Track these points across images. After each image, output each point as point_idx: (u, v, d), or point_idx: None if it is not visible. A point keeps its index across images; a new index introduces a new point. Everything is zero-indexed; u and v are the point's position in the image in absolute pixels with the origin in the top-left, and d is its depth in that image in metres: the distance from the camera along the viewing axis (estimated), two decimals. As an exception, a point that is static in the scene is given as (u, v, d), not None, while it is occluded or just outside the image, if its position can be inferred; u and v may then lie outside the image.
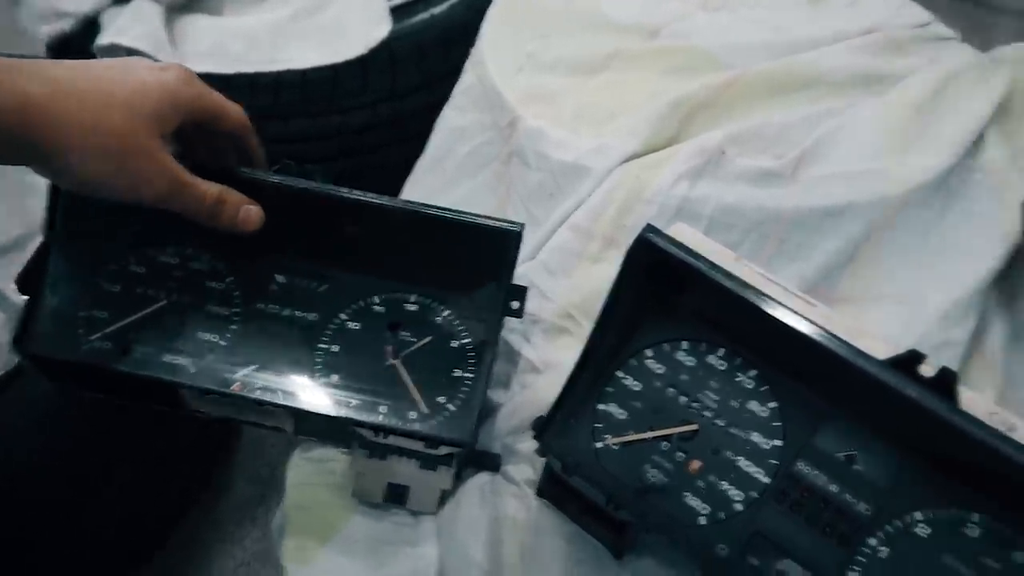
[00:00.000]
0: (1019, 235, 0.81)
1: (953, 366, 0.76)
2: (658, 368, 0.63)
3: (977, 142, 0.91)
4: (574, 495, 0.65)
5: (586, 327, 0.62)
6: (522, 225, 0.66)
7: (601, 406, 0.64)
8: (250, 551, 1.16)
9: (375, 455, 0.71)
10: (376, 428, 0.69)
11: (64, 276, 0.73)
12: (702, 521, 0.60)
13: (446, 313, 0.72)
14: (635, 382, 0.64)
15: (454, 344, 0.71)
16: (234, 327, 0.72)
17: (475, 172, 0.99)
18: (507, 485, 0.72)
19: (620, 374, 0.64)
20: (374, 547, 0.68)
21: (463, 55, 1.06)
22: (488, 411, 0.77)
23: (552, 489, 0.66)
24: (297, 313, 0.72)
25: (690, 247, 0.56)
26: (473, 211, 0.71)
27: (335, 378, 0.70)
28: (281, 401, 0.69)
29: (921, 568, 0.56)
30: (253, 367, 0.71)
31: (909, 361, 0.51)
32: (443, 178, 1.00)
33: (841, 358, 0.51)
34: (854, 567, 0.57)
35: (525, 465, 0.73)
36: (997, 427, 0.49)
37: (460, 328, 0.72)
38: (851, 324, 0.55)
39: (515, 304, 0.70)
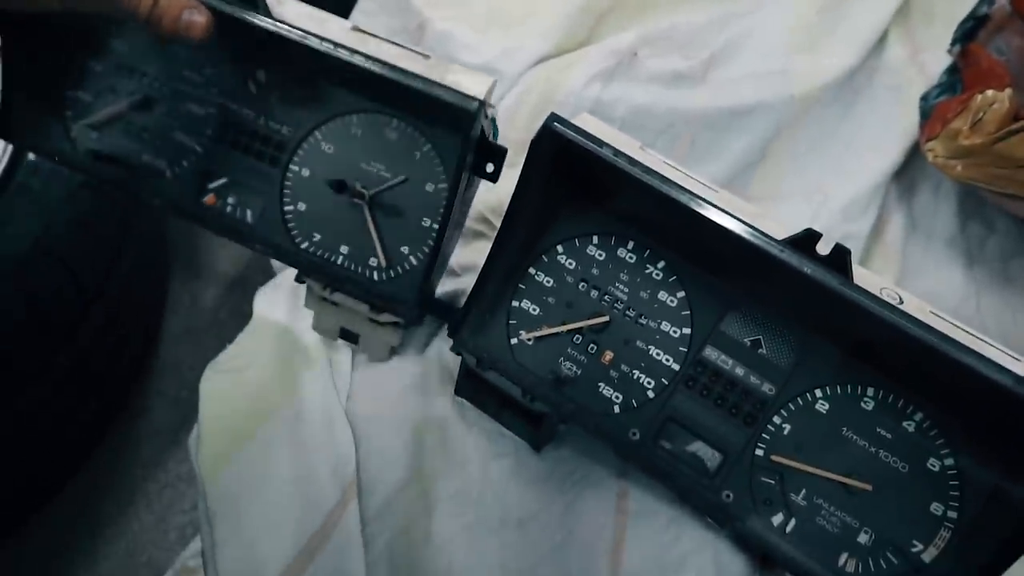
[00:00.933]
0: (917, 131, 0.84)
1: (856, 256, 0.80)
2: (569, 263, 0.64)
3: (880, 41, 0.93)
4: (491, 391, 0.65)
5: (500, 229, 0.62)
6: (480, 102, 0.60)
7: (515, 303, 0.64)
8: (173, 473, 1.15)
9: (328, 301, 0.70)
10: (326, 281, 0.68)
11: (43, 54, 0.68)
12: (616, 409, 0.62)
13: (426, 148, 0.66)
14: (547, 278, 0.64)
15: (429, 188, 0.66)
16: (209, 131, 0.68)
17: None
18: (426, 386, 0.72)
19: (532, 271, 0.64)
20: (291, 452, 0.68)
21: (368, -41, 1.02)
22: (445, 270, 0.74)
23: (470, 387, 0.67)
24: (271, 124, 0.68)
25: (595, 136, 0.56)
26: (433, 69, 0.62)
27: (301, 207, 0.67)
28: (248, 222, 0.67)
29: (821, 441, 0.59)
30: (223, 180, 0.68)
31: (806, 240, 0.52)
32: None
33: (741, 237, 0.52)
34: (760, 444, 0.60)
35: (445, 364, 0.73)
36: (887, 300, 0.51)
37: (439, 169, 0.66)
38: (754, 209, 0.56)
39: (491, 167, 0.64)
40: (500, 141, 0.72)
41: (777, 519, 0.58)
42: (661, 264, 0.63)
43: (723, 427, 0.60)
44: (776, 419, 0.60)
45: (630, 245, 0.63)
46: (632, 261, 0.63)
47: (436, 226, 0.65)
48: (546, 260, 0.64)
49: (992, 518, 0.55)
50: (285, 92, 0.68)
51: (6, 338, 0.82)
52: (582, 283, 0.63)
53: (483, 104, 0.59)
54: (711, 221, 0.53)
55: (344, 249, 0.67)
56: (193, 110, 0.69)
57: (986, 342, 0.52)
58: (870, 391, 0.59)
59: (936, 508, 0.56)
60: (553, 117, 0.55)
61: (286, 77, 0.67)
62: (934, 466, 0.56)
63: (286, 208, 0.68)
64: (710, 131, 0.86)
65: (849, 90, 0.90)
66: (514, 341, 0.64)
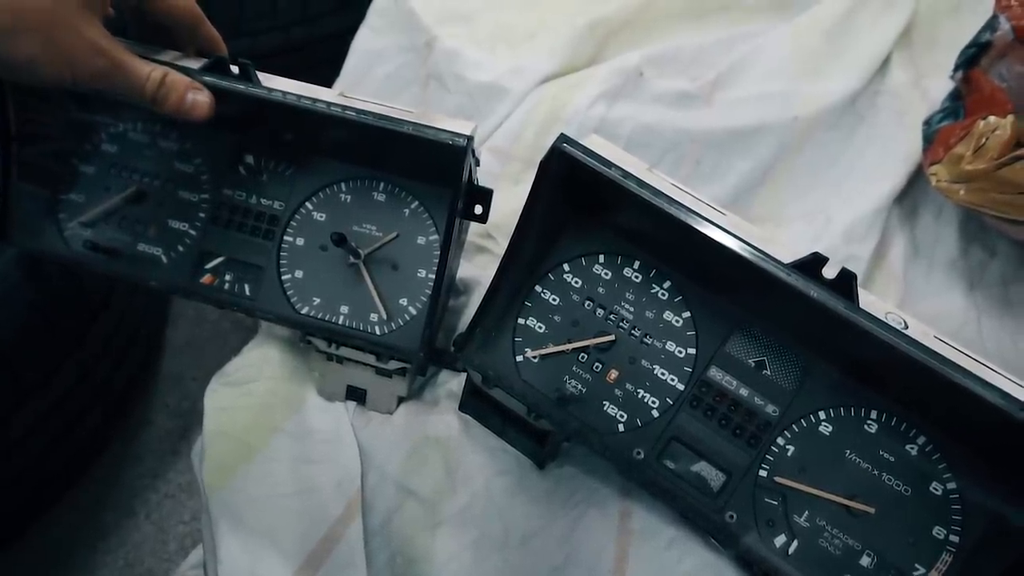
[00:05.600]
0: (920, 155, 0.84)
1: (858, 279, 0.80)
2: (575, 282, 0.64)
3: (883, 66, 0.94)
4: (496, 409, 0.66)
5: (505, 246, 0.62)
6: (469, 138, 0.62)
7: (521, 320, 0.64)
8: (174, 483, 1.15)
9: (333, 360, 0.72)
10: (330, 337, 0.69)
11: (36, 163, 0.71)
12: (620, 428, 0.62)
13: (414, 204, 0.69)
14: (553, 296, 0.64)
15: (421, 241, 0.69)
16: (203, 215, 0.71)
17: (393, 96, 0.97)
18: (430, 404, 0.73)
19: (539, 289, 0.65)
20: (294, 466, 0.68)
21: (377, -24, 1.03)
22: (446, 315, 0.76)
23: (474, 404, 0.67)
24: (263, 201, 0.71)
25: (604, 157, 0.56)
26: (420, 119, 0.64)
27: (298, 274, 0.70)
28: (247, 296, 0.69)
29: (825, 463, 0.59)
30: (220, 259, 0.70)
31: (812, 264, 0.53)
32: (359, 103, 0.97)
33: (748, 261, 0.52)
34: (763, 465, 0.60)
35: (448, 384, 0.73)
36: (892, 325, 0.52)
37: (428, 223, 0.69)
38: (760, 232, 0.56)
39: (479, 209, 0.67)
40: (507, 157, 0.73)
41: (780, 540, 0.59)
42: (667, 284, 0.63)
43: (727, 448, 0.61)
44: (780, 440, 0.60)
45: (636, 265, 0.64)
46: (638, 281, 0.63)
47: (432, 276, 0.68)
48: (552, 278, 0.64)
49: (994, 543, 0.55)
50: (274, 171, 0.71)
51: (14, 347, 0.82)
52: (588, 302, 0.64)
53: (471, 140, 0.61)
54: (719, 244, 0.53)
55: (344, 309, 0.69)
56: (185, 197, 0.72)
57: (989, 367, 0.52)
58: (873, 414, 0.59)
59: (938, 532, 0.56)
60: (563, 138, 0.56)
61: (274, 156, 0.71)
62: (936, 490, 0.57)
63: (284, 277, 0.70)
64: (715, 151, 0.87)
65: (852, 114, 0.91)
66: (519, 359, 0.64)
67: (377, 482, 0.67)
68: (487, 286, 0.63)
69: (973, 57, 0.80)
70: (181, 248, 0.71)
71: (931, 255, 0.83)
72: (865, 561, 0.57)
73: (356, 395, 0.73)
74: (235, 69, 0.64)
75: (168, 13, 0.63)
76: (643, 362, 0.63)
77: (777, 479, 0.59)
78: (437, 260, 0.67)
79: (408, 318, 0.68)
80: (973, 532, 0.56)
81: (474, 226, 0.77)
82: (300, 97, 0.62)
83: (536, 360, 0.64)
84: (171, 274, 0.71)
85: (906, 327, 0.52)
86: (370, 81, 0.98)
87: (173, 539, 1.12)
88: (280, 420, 0.70)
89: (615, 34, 0.95)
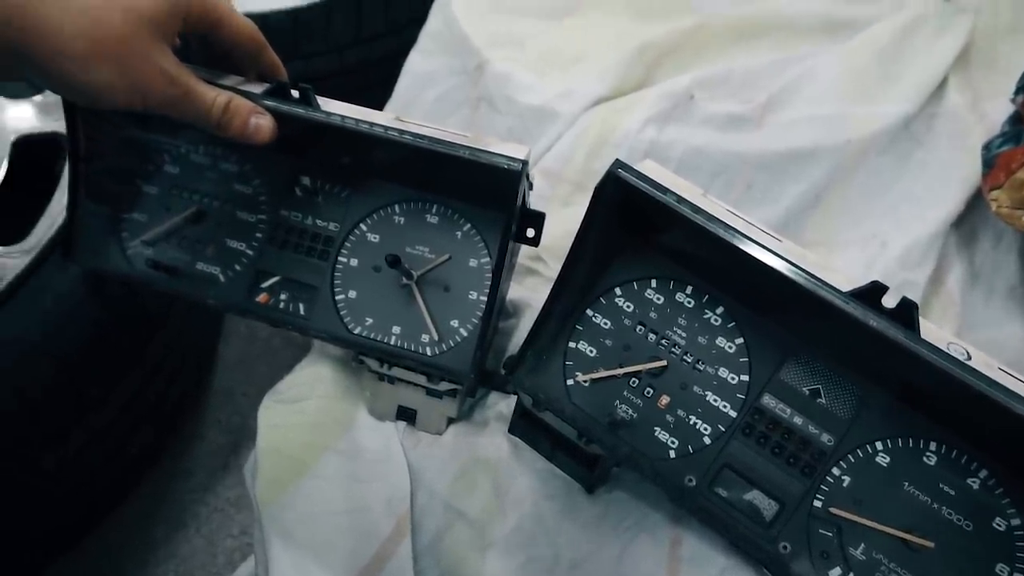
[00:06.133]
0: (978, 179, 0.83)
1: (913, 306, 0.79)
2: (627, 306, 0.64)
3: (939, 88, 0.92)
4: (546, 432, 0.66)
5: (555, 268, 0.62)
6: (524, 162, 0.61)
7: (572, 344, 0.65)
8: (223, 497, 1.17)
9: (384, 379, 0.72)
10: (382, 357, 0.70)
11: (102, 183, 0.74)
12: (671, 455, 0.61)
13: (467, 227, 0.70)
14: (605, 320, 0.64)
15: (472, 263, 0.70)
16: (260, 235, 0.73)
17: (444, 118, 0.98)
18: (480, 425, 0.73)
19: (590, 312, 0.65)
20: (346, 483, 0.68)
21: (428, 0, 1.05)
22: (496, 337, 0.77)
23: (524, 426, 0.67)
24: (319, 222, 0.72)
25: (659, 182, 0.56)
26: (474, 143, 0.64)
27: (352, 294, 0.71)
28: (302, 315, 0.71)
29: (882, 495, 0.58)
30: (276, 279, 0.72)
31: (872, 292, 0.52)
32: (411, 125, 0.99)
33: (806, 289, 0.52)
34: (818, 496, 0.59)
35: (498, 406, 0.74)
36: (955, 355, 0.51)
37: (480, 245, 0.70)
38: (816, 259, 0.56)
39: (531, 232, 0.67)
40: (557, 179, 0.73)
41: (835, 573, 0.57)
42: (720, 310, 0.63)
43: (780, 477, 0.60)
44: (835, 471, 0.59)
45: (688, 290, 0.63)
46: (690, 306, 0.63)
47: (484, 298, 0.68)
48: (604, 302, 0.65)
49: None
50: (329, 192, 0.73)
51: (78, 364, 0.85)
52: (640, 326, 0.64)
53: (525, 164, 0.62)
54: (775, 270, 0.53)
55: (396, 329, 0.70)
56: (243, 218, 0.74)
57: (1055, 400, 0.51)
58: (933, 446, 0.58)
59: (1001, 569, 0.55)
60: (617, 163, 0.56)
61: (330, 179, 0.72)
62: (1000, 525, 0.55)
63: (337, 297, 0.71)
64: (766, 175, 0.86)
65: (906, 137, 0.89)
66: (570, 382, 0.64)
67: (426, 502, 0.68)
68: (537, 308, 0.64)
69: (1035, 80, 0.79)
70: (238, 267, 0.73)
71: (990, 282, 0.81)
72: (924, 597, 0.56)
73: (406, 415, 0.73)
74: (295, 93, 0.66)
75: (233, 40, 0.65)
76: (695, 388, 0.62)
77: (832, 510, 0.58)
78: (489, 282, 0.68)
79: (459, 339, 0.69)
80: (1039, 570, 0.54)
81: (524, 248, 0.77)
82: (358, 121, 0.63)
83: (587, 384, 0.64)
84: (228, 292, 0.72)
85: (969, 358, 0.51)
86: (421, 103, 0.99)
87: (222, 553, 1.14)
88: (331, 438, 0.71)
89: (665, 57, 0.95)
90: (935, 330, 0.54)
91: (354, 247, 0.71)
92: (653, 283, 0.64)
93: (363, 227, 0.71)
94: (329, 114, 0.64)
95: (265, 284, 0.72)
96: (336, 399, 0.74)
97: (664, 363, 0.62)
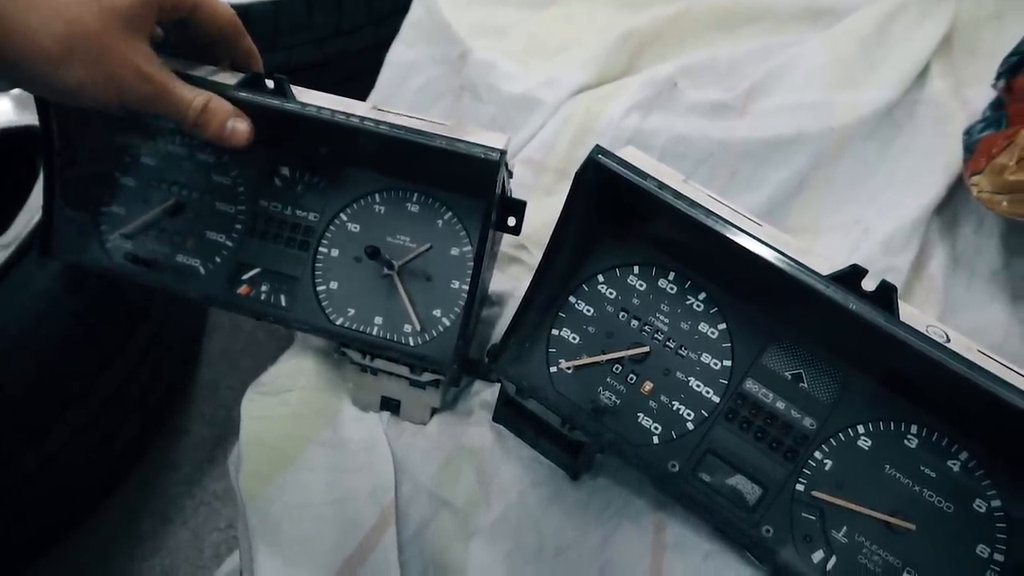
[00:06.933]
0: (960, 165, 0.83)
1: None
2: (610, 293, 0.64)
3: (922, 75, 0.92)
4: (530, 420, 0.66)
5: (538, 257, 0.62)
6: (502, 152, 0.60)
7: (555, 331, 0.64)
8: (209, 490, 1.16)
9: (367, 371, 0.72)
10: (364, 348, 0.69)
11: (78, 177, 0.73)
12: (655, 440, 0.61)
13: (447, 215, 0.70)
14: (587, 307, 0.64)
15: (454, 252, 0.69)
16: (239, 227, 0.72)
17: (427, 107, 0.97)
18: (464, 414, 0.73)
19: (573, 299, 0.64)
20: (329, 475, 0.68)
21: (411, -10, 1.04)
22: (479, 326, 0.76)
23: (508, 414, 0.67)
24: (299, 213, 0.72)
25: (639, 168, 0.56)
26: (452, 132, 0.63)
27: (333, 285, 0.70)
28: (283, 306, 0.70)
29: (864, 478, 0.58)
30: (256, 270, 0.71)
31: (851, 276, 0.52)
32: (394, 114, 0.98)
33: (786, 273, 0.52)
34: (801, 480, 0.59)
35: (482, 395, 0.73)
36: (934, 338, 0.51)
37: (461, 234, 0.69)
38: (797, 244, 0.56)
39: (512, 221, 0.67)
40: (540, 168, 0.73)
41: (818, 556, 0.58)
42: (702, 296, 0.63)
43: (763, 461, 0.60)
44: (817, 454, 0.59)
45: (671, 276, 0.63)
46: (673, 292, 0.63)
47: (465, 287, 0.68)
48: (587, 289, 0.64)
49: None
50: (309, 182, 0.72)
51: (57, 358, 0.84)
52: (623, 313, 0.64)
53: (503, 154, 0.61)
54: (756, 255, 0.53)
55: (378, 320, 0.69)
56: (223, 209, 0.73)
57: (1035, 382, 0.51)
58: (914, 428, 0.58)
59: (982, 550, 0.55)
60: (598, 149, 0.56)
61: (309, 168, 0.72)
62: (980, 507, 0.55)
63: (319, 288, 0.71)
64: (750, 162, 0.86)
65: (889, 123, 0.89)
66: (553, 370, 0.64)
67: (411, 492, 0.68)
68: (520, 297, 0.63)
69: (1016, 65, 0.79)
70: (218, 259, 0.72)
71: (972, 267, 0.82)
72: (906, 578, 0.56)
73: (390, 406, 0.73)
74: (270, 83, 0.65)
75: (210, 26, 0.64)
76: (678, 374, 0.62)
77: (815, 494, 0.58)
78: (471, 272, 0.67)
79: (442, 329, 0.68)
80: (1018, 551, 0.54)
81: (507, 237, 0.77)
82: (333, 112, 0.63)
83: (570, 371, 0.63)
84: (209, 285, 0.72)
85: (948, 340, 0.52)
86: (404, 93, 0.99)
87: (208, 546, 1.14)
88: (315, 430, 0.71)
89: (648, 45, 0.95)
90: (915, 313, 0.54)
91: (334, 237, 0.71)
92: (635, 269, 0.64)
93: (343, 217, 0.71)
94: (305, 105, 0.63)
95: (246, 276, 0.72)
96: (319, 390, 0.74)
97: (647, 349, 0.62)
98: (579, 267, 0.64)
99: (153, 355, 1.01)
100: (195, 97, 0.60)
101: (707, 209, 0.54)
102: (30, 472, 0.89)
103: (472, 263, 0.68)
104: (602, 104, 0.88)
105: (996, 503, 0.55)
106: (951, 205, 0.85)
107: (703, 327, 0.62)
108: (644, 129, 0.86)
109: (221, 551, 1.14)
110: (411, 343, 0.68)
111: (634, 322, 0.63)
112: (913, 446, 0.58)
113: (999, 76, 0.80)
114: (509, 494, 0.67)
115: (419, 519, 0.67)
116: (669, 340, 0.63)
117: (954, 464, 0.57)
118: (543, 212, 0.77)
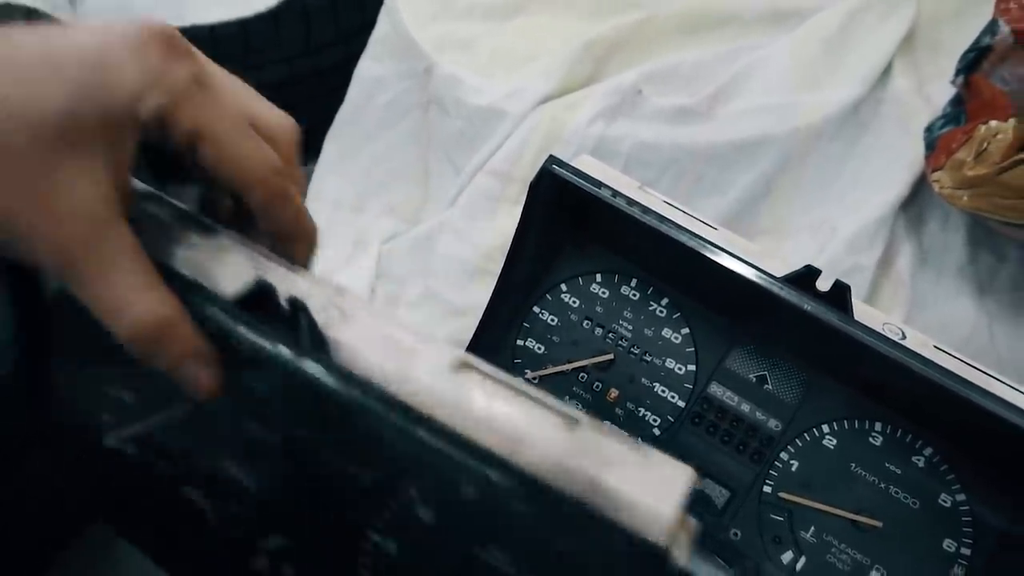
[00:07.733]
0: (923, 162, 0.83)
1: (863, 289, 0.79)
2: (573, 301, 0.64)
3: (885, 73, 0.93)
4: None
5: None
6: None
7: (520, 342, 0.65)
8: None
9: None
10: None
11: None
12: (622, 448, 0.61)
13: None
14: (551, 316, 0.64)
15: None
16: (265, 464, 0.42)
17: (395, 122, 0.98)
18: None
19: (536, 309, 0.65)
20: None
21: (378, 7, 1.04)
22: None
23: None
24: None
25: (594, 177, 0.56)
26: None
27: None
28: None
29: (830, 477, 0.58)
30: (280, 537, 0.39)
31: (805, 277, 0.53)
32: (363, 129, 0.99)
33: (739, 275, 0.52)
34: (768, 481, 0.59)
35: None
36: (889, 336, 0.51)
37: None
38: (754, 247, 0.56)
39: None
40: (507, 179, 0.73)
41: (787, 557, 0.58)
42: (664, 301, 0.63)
43: (730, 464, 0.60)
44: (783, 455, 0.60)
45: (633, 283, 0.64)
46: (635, 299, 0.63)
47: None
48: (550, 299, 0.65)
49: (1006, 555, 0.54)
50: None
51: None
52: (586, 321, 0.64)
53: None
54: (709, 260, 0.53)
55: None
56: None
57: (994, 378, 0.51)
58: (878, 426, 0.58)
59: (949, 545, 0.55)
60: (551, 159, 0.57)
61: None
62: (945, 502, 0.56)
63: None
64: (716, 166, 0.87)
65: (854, 122, 0.90)
66: (520, 380, 0.64)
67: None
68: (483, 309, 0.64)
69: (974, 61, 0.79)
70: (234, 505, 0.50)
71: (939, 262, 0.82)
72: (874, 576, 0.56)
73: None
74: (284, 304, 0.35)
75: (227, 177, 0.36)
76: (643, 380, 0.62)
77: (782, 495, 0.58)
78: None
79: None
80: (984, 544, 0.55)
81: (475, 248, 0.77)
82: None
83: (536, 381, 0.64)
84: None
85: (904, 338, 0.52)
86: (373, 108, 0.99)
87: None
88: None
89: (613, 53, 0.95)
90: (872, 312, 0.55)
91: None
92: (598, 277, 0.64)
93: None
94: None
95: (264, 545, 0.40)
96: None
97: (611, 356, 0.63)
98: (542, 277, 0.65)
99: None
100: (150, 305, 0.32)
101: (659, 215, 0.55)
102: (3, 506, 0.88)
103: None
104: (568, 113, 0.88)
105: (961, 497, 0.55)
106: (916, 202, 0.86)
107: (667, 332, 0.63)
108: (609, 136, 0.86)
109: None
110: None
111: (598, 330, 0.64)
112: (878, 444, 0.58)
113: (958, 72, 0.81)
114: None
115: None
116: (633, 347, 0.63)
117: (918, 460, 0.57)
118: (511, 223, 0.76)
